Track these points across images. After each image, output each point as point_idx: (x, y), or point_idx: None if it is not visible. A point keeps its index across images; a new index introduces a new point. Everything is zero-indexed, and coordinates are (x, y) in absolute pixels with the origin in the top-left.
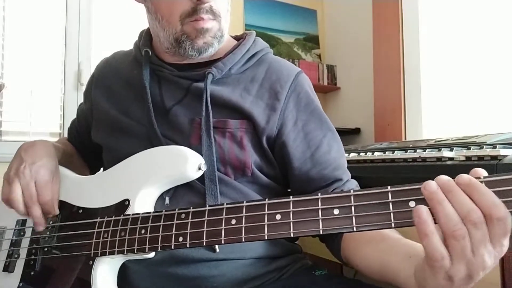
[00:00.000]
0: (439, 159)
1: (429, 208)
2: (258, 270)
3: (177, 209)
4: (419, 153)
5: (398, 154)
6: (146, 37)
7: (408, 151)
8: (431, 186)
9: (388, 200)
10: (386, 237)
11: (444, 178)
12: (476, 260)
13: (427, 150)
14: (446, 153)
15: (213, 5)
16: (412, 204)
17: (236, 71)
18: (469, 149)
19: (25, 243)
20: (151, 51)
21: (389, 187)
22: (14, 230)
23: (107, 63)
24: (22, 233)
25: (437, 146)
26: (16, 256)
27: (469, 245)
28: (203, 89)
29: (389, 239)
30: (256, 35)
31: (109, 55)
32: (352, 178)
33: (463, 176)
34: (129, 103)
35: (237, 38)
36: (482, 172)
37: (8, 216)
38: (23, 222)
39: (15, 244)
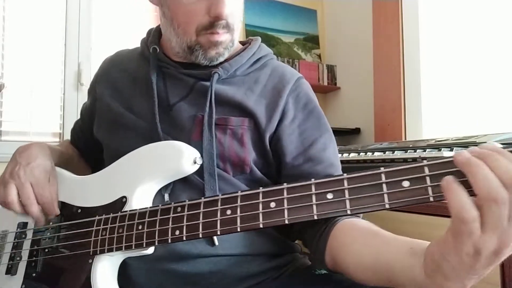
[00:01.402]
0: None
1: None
2: (258, 268)
3: (173, 203)
4: (419, 153)
5: (398, 154)
6: (155, 35)
7: (408, 151)
8: (464, 153)
9: (381, 181)
10: (381, 233)
11: (475, 148)
12: (510, 232)
13: (427, 150)
14: (446, 153)
15: (229, 20)
16: (405, 183)
17: (241, 73)
18: None
19: (26, 245)
20: (159, 49)
21: (382, 168)
22: (16, 233)
23: (111, 60)
24: (23, 236)
25: (437, 146)
26: (18, 258)
27: (507, 213)
28: (207, 87)
29: (383, 236)
30: (256, 35)
31: (112, 54)
32: None
33: (493, 144)
34: (134, 98)
35: (242, 43)
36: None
37: (10, 220)
38: (24, 225)
39: (17, 246)
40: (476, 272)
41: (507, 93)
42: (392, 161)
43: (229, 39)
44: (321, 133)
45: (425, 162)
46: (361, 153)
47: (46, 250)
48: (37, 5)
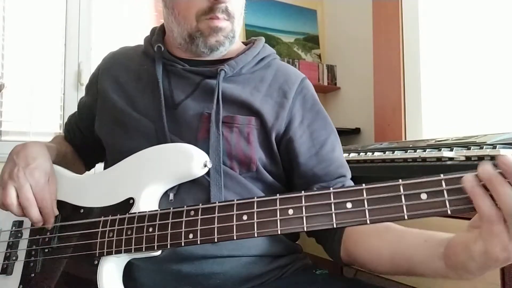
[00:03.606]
0: (439, 159)
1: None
2: (260, 268)
3: (185, 206)
4: (419, 153)
5: (398, 154)
6: (159, 33)
7: (408, 151)
8: (488, 168)
9: (400, 193)
10: (392, 228)
11: (485, 169)
12: None
13: (427, 150)
14: (446, 153)
15: (228, 6)
16: (423, 196)
17: (247, 71)
18: (469, 149)
19: (23, 244)
20: (163, 47)
21: (400, 180)
22: (11, 231)
23: (113, 55)
24: (19, 235)
25: (437, 146)
26: (14, 258)
27: None
28: (214, 85)
29: (395, 230)
30: (256, 35)
31: (114, 50)
32: (352, 178)
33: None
34: (137, 96)
35: (245, 43)
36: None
37: (4, 218)
38: (20, 224)
39: (12, 246)
40: (491, 268)
41: (507, 93)
42: (392, 161)
43: (229, 27)
44: (328, 133)
45: (442, 176)
46: (361, 153)
47: (46, 250)
48: (37, 5)
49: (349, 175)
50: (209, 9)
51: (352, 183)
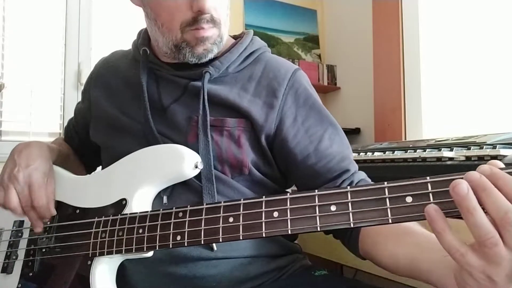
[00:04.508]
0: (439, 159)
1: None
2: (257, 270)
3: (174, 208)
4: (419, 153)
5: (398, 154)
6: (145, 36)
7: (408, 151)
8: (460, 189)
9: (384, 196)
10: (412, 231)
11: (475, 175)
12: None
13: (427, 150)
14: (446, 153)
15: (213, 14)
16: (408, 199)
17: (233, 70)
18: (469, 149)
19: (23, 244)
20: (149, 50)
21: (385, 182)
22: (12, 231)
23: (105, 62)
24: (19, 234)
25: (437, 146)
26: (14, 257)
27: (503, 249)
28: (200, 88)
29: (415, 234)
30: (256, 35)
31: (107, 55)
32: None
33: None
34: (127, 101)
35: (235, 37)
36: (499, 164)
37: (5, 218)
38: (21, 223)
39: (13, 245)
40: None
41: (507, 93)
42: (392, 161)
43: (216, 33)
44: (325, 128)
45: (428, 178)
46: (361, 153)
47: (43, 250)
48: (37, 5)
49: (353, 167)
50: (194, 20)
51: (361, 175)
